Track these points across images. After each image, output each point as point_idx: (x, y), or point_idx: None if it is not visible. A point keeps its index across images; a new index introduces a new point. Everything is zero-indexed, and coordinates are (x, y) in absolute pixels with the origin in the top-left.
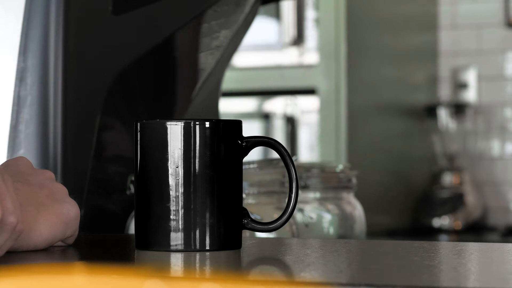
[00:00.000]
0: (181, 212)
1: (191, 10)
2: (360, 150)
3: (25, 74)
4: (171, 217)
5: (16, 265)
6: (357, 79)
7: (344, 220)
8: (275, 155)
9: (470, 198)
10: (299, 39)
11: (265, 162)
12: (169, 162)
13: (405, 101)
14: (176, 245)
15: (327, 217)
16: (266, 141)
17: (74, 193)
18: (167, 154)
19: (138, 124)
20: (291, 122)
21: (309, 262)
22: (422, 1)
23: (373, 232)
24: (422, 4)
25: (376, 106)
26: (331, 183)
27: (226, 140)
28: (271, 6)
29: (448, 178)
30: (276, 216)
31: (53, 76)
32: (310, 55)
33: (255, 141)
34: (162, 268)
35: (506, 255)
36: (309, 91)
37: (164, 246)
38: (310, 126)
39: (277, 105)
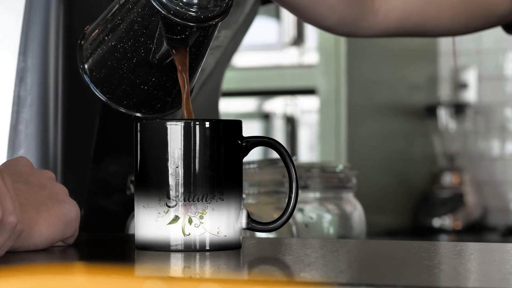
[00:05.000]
0: None
1: None
2: (360, 150)
3: (25, 74)
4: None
5: (16, 265)
6: (357, 79)
7: (344, 220)
8: (275, 155)
9: (470, 198)
10: (299, 39)
11: (265, 162)
12: (169, 162)
13: (405, 101)
14: (176, 245)
15: (327, 217)
16: (266, 141)
17: (74, 193)
18: (167, 154)
19: (138, 124)
20: (291, 122)
21: (309, 262)
22: None
23: (373, 232)
24: None
25: (376, 106)
26: (331, 183)
27: (226, 140)
28: (271, 6)
29: (448, 178)
30: (276, 216)
31: (53, 76)
32: (310, 55)
33: (255, 141)
34: (162, 268)
35: (506, 255)
36: (309, 91)
37: (164, 246)
38: (310, 126)
39: (277, 105)
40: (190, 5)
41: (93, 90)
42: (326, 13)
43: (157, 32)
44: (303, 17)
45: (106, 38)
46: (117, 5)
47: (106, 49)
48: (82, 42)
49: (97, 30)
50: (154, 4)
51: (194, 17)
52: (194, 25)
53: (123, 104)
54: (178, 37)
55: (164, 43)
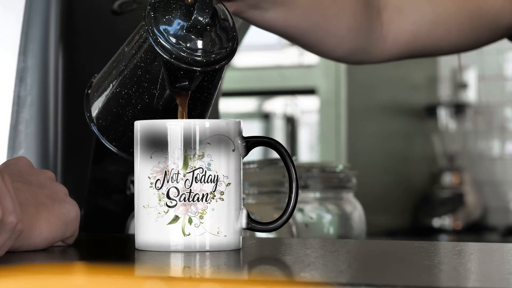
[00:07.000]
0: None
1: None
2: (360, 150)
3: (25, 74)
4: None
5: (16, 265)
6: (357, 79)
7: (344, 220)
8: (275, 155)
9: (470, 198)
10: None
11: (265, 162)
12: (169, 162)
13: (405, 101)
14: (176, 245)
15: (327, 217)
16: (266, 141)
17: (74, 193)
18: (167, 154)
19: (138, 124)
20: (291, 122)
21: (309, 262)
22: None
23: (373, 232)
24: None
25: (376, 106)
26: (331, 183)
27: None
28: None
29: (448, 178)
30: (276, 216)
31: (53, 76)
32: (310, 55)
33: (255, 141)
34: (162, 268)
35: (506, 255)
36: (309, 91)
37: (164, 246)
38: (310, 126)
39: (277, 105)
40: (194, 50)
41: (101, 139)
42: (337, 45)
43: (160, 77)
44: (314, 51)
45: (110, 84)
46: (122, 51)
47: (111, 96)
48: (89, 91)
49: (102, 78)
50: (157, 48)
51: (197, 61)
52: (197, 69)
53: (128, 152)
54: (181, 81)
55: (167, 88)
